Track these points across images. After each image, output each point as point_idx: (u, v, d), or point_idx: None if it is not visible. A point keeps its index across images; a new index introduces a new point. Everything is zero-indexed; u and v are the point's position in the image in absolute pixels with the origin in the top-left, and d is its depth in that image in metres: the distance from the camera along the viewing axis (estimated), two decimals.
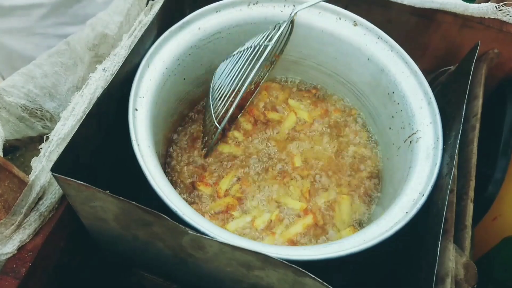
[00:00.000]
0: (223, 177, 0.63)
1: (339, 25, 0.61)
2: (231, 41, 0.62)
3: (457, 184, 0.63)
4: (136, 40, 0.54)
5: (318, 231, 0.60)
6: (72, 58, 0.75)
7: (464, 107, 0.51)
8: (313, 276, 0.38)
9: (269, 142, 0.66)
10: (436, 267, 0.42)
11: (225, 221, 0.60)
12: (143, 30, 0.55)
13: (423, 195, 0.47)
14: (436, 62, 0.80)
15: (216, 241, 0.40)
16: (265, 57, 0.53)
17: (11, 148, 0.69)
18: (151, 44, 0.54)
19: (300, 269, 0.38)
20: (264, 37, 0.55)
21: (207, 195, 0.62)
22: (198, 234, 0.40)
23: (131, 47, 0.52)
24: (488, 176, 0.71)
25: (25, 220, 0.44)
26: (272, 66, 0.67)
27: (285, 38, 0.62)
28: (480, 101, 0.69)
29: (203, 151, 0.64)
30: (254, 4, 0.61)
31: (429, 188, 0.48)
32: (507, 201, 0.68)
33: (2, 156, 0.48)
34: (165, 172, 0.63)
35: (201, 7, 0.60)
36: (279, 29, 0.55)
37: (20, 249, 0.45)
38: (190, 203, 0.61)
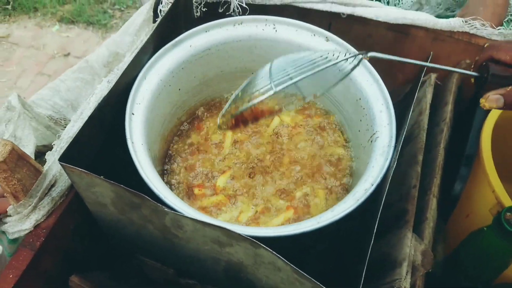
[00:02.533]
0: (218, 177, 0.72)
1: (314, 41, 0.70)
2: (220, 56, 0.72)
3: (423, 181, 0.70)
4: None
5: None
6: (90, 74, 0.87)
7: (411, 109, 0.58)
8: (265, 247, 0.46)
9: (256, 143, 0.74)
10: (369, 251, 0.49)
11: (215, 215, 0.69)
12: None
13: (372, 185, 0.55)
14: (417, 72, 0.87)
15: (189, 218, 0.49)
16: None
17: (39, 153, 0.80)
18: (148, 59, 0.65)
19: (255, 240, 0.46)
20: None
21: (202, 194, 0.71)
22: (175, 213, 0.49)
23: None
24: None
25: (40, 203, 0.54)
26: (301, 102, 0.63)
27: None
28: (450, 107, 0.76)
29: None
30: (239, 24, 0.70)
31: (378, 179, 0.55)
32: (477, 199, 0.73)
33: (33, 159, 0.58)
34: (164, 175, 0.73)
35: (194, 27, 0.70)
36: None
37: (36, 227, 0.55)
38: (186, 200, 0.70)
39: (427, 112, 0.73)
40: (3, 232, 0.65)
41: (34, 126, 0.76)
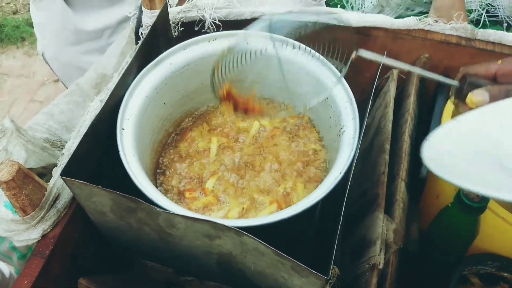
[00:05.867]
0: (206, 181, 0.79)
1: (283, 49, 0.77)
2: (198, 71, 0.79)
3: (392, 168, 0.77)
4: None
5: None
6: (81, 96, 0.93)
7: (370, 103, 0.66)
8: (247, 234, 0.52)
9: (240, 147, 0.81)
10: (338, 232, 0.55)
11: (207, 215, 0.75)
12: None
13: (341, 173, 0.61)
14: (382, 70, 0.94)
15: (180, 216, 0.55)
16: None
17: (39, 175, 0.86)
18: (133, 78, 0.71)
19: (238, 229, 0.53)
20: None
21: (192, 197, 0.77)
22: (167, 212, 0.56)
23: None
24: None
25: (47, 214, 0.61)
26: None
27: None
28: (412, 98, 0.83)
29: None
30: (213, 40, 0.77)
31: (345, 168, 0.62)
32: (443, 180, 0.80)
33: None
34: (157, 183, 0.79)
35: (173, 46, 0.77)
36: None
37: (44, 236, 0.61)
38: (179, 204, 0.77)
39: (392, 104, 0.81)
40: (14, 249, 0.71)
41: (30, 149, 0.81)
